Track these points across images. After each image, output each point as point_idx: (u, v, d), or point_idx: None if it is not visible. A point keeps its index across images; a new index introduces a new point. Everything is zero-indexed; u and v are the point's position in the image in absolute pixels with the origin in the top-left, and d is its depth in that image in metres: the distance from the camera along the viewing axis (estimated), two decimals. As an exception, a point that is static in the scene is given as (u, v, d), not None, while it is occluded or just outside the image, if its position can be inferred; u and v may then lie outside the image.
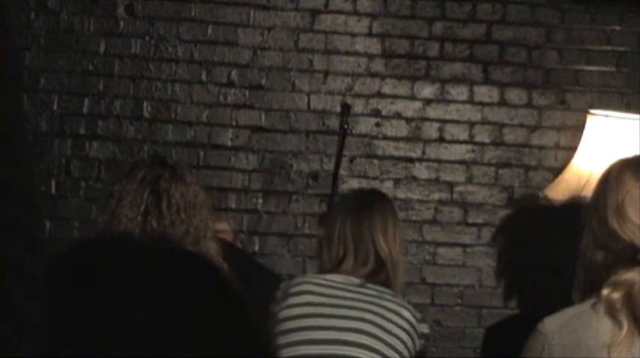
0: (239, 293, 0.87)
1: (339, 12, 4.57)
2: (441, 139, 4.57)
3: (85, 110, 4.50)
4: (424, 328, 2.70)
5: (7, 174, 0.95)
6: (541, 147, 4.58)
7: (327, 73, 4.56)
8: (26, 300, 0.85)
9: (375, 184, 4.49)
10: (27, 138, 1.02)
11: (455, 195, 4.57)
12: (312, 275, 2.82)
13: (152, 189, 2.49)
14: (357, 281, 2.67)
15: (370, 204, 2.83)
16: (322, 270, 2.78)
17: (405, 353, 2.58)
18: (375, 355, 2.53)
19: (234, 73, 4.55)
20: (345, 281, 2.66)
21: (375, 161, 4.54)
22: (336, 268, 2.72)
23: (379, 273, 2.70)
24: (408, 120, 4.57)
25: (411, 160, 4.56)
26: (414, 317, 2.66)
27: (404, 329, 2.60)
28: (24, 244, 0.91)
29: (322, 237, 2.88)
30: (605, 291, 1.88)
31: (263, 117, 4.55)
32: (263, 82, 4.54)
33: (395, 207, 3.01)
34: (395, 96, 4.57)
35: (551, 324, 1.92)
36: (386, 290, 2.68)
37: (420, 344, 2.67)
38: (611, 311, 1.85)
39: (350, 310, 2.58)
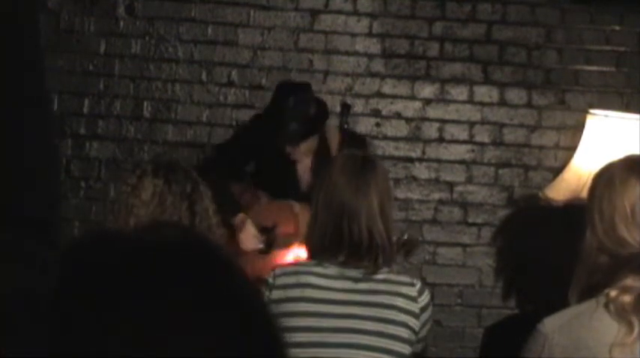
0: (251, 288, 0.86)
1: (339, 12, 4.57)
2: (440, 139, 4.57)
3: (85, 110, 4.50)
4: (422, 301, 2.59)
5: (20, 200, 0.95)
6: (541, 147, 4.58)
7: (327, 73, 4.56)
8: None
9: (375, 184, 4.49)
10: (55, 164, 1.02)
11: (455, 195, 4.57)
12: (307, 265, 2.63)
13: (188, 205, 2.50)
14: (352, 274, 2.58)
15: (367, 184, 2.60)
16: (312, 251, 2.65)
17: (406, 348, 2.55)
18: None
19: (234, 73, 4.55)
20: (341, 276, 2.58)
21: (375, 161, 4.53)
22: (329, 256, 2.59)
23: (372, 255, 2.59)
24: (407, 120, 4.57)
25: (411, 160, 4.56)
26: (410, 298, 2.56)
27: (401, 323, 2.55)
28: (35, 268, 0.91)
29: (315, 213, 2.66)
30: (613, 293, 1.87)
31: (263, 117, 4.55)
32: (263, 82, 4.54)
33: (387, 173, 2.81)
34: (395, 96, 4.57)
35: (552, 324, 1.92)
36: (380, 277, 2.57)
37: (423, 317, 2.59)
38: (622, 313, 1.85)
39: (344, 320, 2.53)
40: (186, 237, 0.84)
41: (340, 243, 2.58)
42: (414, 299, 2.58)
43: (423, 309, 2.60)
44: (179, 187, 2.50)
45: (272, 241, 3.78)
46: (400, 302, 2.56)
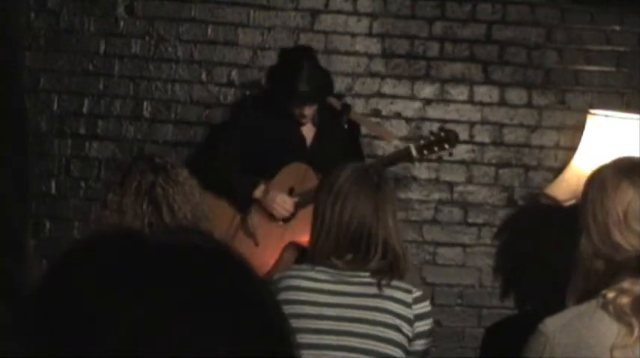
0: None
1: (339, 12, 4.57)
2: (441, 139, 4.56)
3: (85, 110, 4.50)
4: (418, 309, 2.56)
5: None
6: (541, 147, 4.58)
7: (327, 73, 4.55)
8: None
9: (375, 184, 4.48)
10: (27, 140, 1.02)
11: (455, 195, 4.57)
12: (302, 269, 2.62)
13: (150, 199, 2.43)
14: (348, 279, 2.57)
15: (384, 204, 2.60)
16: (318, 253, 2.61)
17: (397, 351, 2.52)
18: None
19: (234, 73, 4.54)
20: (336, 280, 2.56)
21: (375, 161, 4.53)
22: (337, 259, 2.57)
23: (388, 268, 2.58)
24: (408, 120, 4.57)
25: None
26: (404, 303, 2.53)
27: (393, 327, 2.53)
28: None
29: (322, 220, 2.61)
30: (611, 294, 1.87)
31: (263, 117, 4.54)
32: (263, 81, 4.54)
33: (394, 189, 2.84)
34: (395, 96, 4.57)
35: (553, 324, 1.92)
36: (375, 281, 2.54)
37: (417, 326, 2.55)
38: (621, 315, 1.84)
39: (334, 322, 2.51)
40: (205, 240, 0.85)
41: (355, 253, 2.57)
42: (408, 305, 2.54)
43: (418, 317, 2.55)
44: (135, 182, 2.48)
45: (305, 197, 3.84)
46: (392, 306, 2.53)
